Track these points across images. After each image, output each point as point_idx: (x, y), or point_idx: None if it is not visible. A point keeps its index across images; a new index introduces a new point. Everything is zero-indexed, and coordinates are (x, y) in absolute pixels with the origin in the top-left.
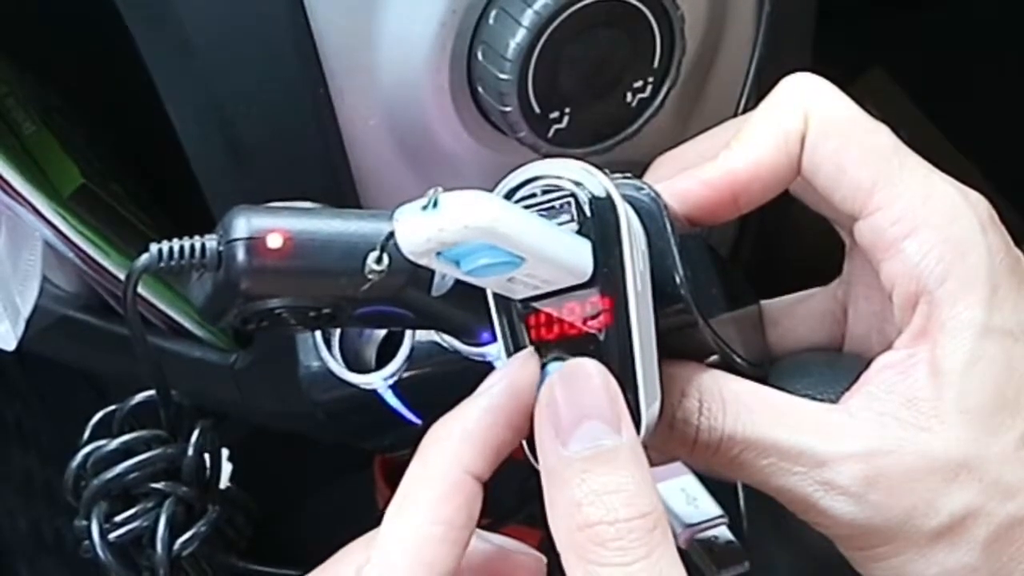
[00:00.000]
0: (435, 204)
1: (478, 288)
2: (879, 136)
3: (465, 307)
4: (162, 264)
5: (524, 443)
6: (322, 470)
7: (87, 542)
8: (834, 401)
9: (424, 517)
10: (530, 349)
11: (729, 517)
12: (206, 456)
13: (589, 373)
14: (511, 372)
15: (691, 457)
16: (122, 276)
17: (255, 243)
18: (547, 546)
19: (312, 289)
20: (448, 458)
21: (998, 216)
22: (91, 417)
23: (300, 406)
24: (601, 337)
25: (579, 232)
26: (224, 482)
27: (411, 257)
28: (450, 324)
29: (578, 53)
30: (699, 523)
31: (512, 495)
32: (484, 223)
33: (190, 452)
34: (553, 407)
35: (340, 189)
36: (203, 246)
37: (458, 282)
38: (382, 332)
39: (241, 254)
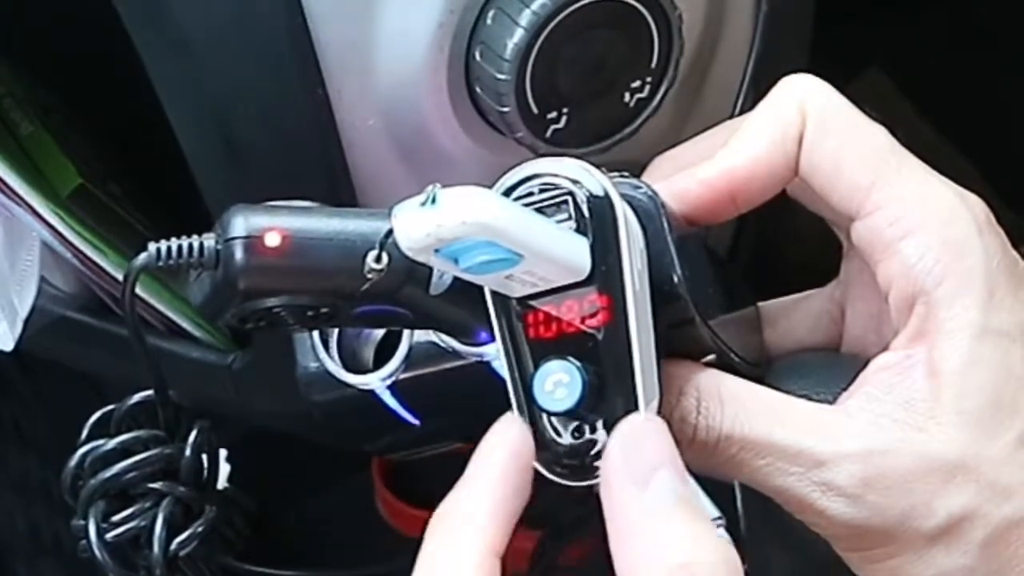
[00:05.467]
0: (434, 200)
1: (476, 286)
2: (877, 137)
3: (463, 306)
4: (160, 263)
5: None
6: (321, 471)
7: (84, 541)
8: (831, 402)
9: None
10: (511, 412)
11: (726, 518)
12: (204, 457)
13: (655, 427)
14: (504, 438)
15: (688, 456)
16: (120, 276)
17: (253, 242)
18: (544, 547)
19: (310, 288)
20: (467, 542)
21: (995, 218)
22: (89, 418)
23: (298, 407)
24: (599, 335)
25: (577, 230)
26: (222, 483)
27: (409, 254)
28: (448, 323)
29: (576, 53)
30: None
31: None
32: (483, 219)
33: (188, 452)
34: (626, 458)
35: (338, 189)
36: (201, 245)
37: (456, 280)
38: (380, 332)
39: (239, 253)
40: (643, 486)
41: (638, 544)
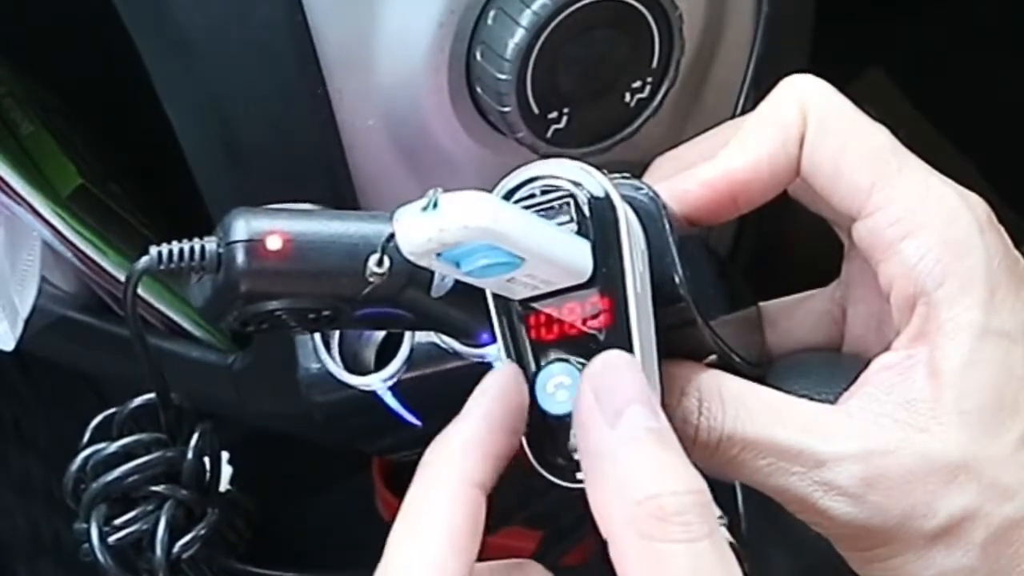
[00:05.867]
0: (435, 205)
1: (478, 289)
2: (878, 137)
3: (465, 308)
4: (162, 267)
5: (525, 443)
6: (321, 472)
7: (86, 545)
8: (832, 402)
9: (433, 532)
10: (509, 360)
11: (727, 518)
12: (206, 459)
13: (626, 362)
14: (498, 380)
15: (690, 456)
16: (120, 276)
17: (255, 245)
18: (546, 548)
19: (312, 291)
20: (451, 470)
21: (996, 217)
22: (90, 417)
23: (299, 407)
24: (601, 337)
25: (578, 232)
26: (224, 485)
27: (411, 258)
28: (450, 325)
29: (577, 53)
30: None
31: (512, 496)
32: (484, 223)
33: (190, 455)
34: (596, 393)
35: (338, 189)
36: (203, 248)
37: (458, 283)
38: (381, 334)
39: (241, 256)
40: (613, 422)
41: (608, 479)
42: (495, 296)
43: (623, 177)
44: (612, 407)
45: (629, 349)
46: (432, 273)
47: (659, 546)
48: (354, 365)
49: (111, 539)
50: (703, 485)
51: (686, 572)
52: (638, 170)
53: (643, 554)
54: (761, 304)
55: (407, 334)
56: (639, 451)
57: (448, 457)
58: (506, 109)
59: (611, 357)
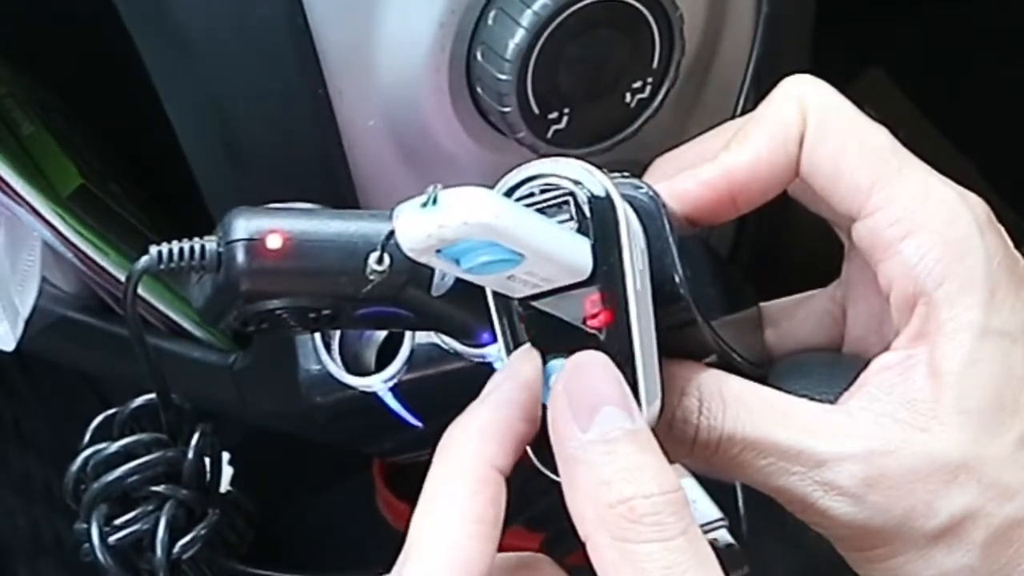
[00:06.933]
0: (435, 201)
1: (478, 287)
2: (878, 137)
3: (465, 307)
4: (162, 266)
5: (526, 445)
6: (322, 472)
7: (87, 545)
8: (832, 402)
9: (456, 516)
10: (529, 345)
11: (728, 520)
12: (206, 459)
13: (599, 362)
14: (517, 366)
15: (690, 456)
16: (121, 276)
17: (255, 244)
18: (548, 549)
19: (312, 290)
20: (470, 454)
21: (996, 217)
22: (90, 417)
23: (300, 407)
24: (601, 336)
25: (578, 231)
26: (225, 486)
27: (411, 255)
28: (450, 325)
29: (577, 54)
30: (698, 526)
31: (513, 498)
32: (484, 219)
33: (190, 455)
34: (569, 394)
35: (339, 189)
36: (203, 248)
37: (458, 281)
38: (382, 334)
39: (241, 255)
40: (586, 425)
41: (581, 483)
42: (495, 295)
43: (623, 176)
44: (585, 409)
45: (629, 348)
46: (432, 271)
47: (633, 547)
48: (355, 366)
49: (111, 539)
50: (677, 485)
51: (661, 570)
52: (638, 170)
53: (618, 555)
54: (761, 304)
55: (407, 335)
56: (611, 454)
57: (467, 442)
58: (506, 109)
59: (583, 357)
